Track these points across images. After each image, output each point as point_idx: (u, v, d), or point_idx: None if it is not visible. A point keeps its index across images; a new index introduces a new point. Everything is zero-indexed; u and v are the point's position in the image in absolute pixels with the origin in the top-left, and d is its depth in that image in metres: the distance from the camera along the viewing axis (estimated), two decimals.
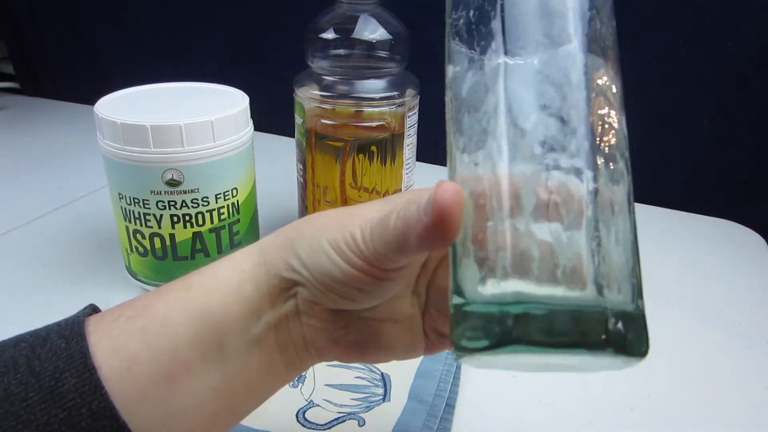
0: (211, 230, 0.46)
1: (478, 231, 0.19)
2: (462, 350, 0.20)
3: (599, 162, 0.19)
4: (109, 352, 0.22)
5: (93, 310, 0.26)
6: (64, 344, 0.22)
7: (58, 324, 0.24)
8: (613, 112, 0.20)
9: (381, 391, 0.39)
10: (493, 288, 0.19)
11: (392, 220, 0.22)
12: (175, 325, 0.23)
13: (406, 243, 0.21)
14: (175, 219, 0.45)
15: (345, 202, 0.51)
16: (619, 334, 0.18)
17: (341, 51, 0.47)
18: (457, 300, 0.20)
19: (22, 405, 0.21)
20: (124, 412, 0.21)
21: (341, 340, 0.26)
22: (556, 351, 0.18)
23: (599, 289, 0.18)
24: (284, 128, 0.68)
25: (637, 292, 0.19)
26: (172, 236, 0.45)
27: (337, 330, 0.26)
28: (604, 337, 0.18)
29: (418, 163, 0.55)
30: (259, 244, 0.26)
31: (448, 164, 0.22)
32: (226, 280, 0.25)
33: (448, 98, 0.22)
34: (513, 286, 0.19)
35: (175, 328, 0.23)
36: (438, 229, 0.19)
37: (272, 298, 0.25)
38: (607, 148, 0.20)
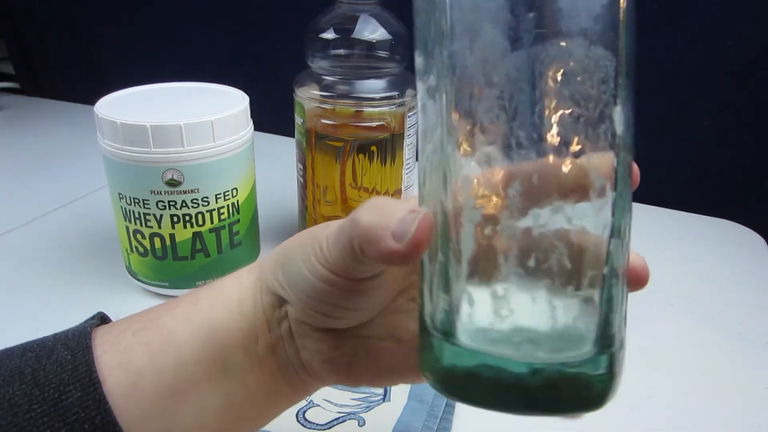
0: (211, 230, 0.46)
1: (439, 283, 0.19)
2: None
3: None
4: (115, 365, 0.22)
5: (101, 319, 0.26)
6: (70, 356, 0.22)
7: (65, 334, 0.23)
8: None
9: (381, 390, 0.39)
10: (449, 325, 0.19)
11: (348, 221, 0.21)
12: (180, 339, 0.23)
13: (360, 251, 0.20)
14: (175, 219, 0.45)
15: (345, 202, 0.51)
16: (542, 393, 0.18)
17: (341, 51, 0.47)
18: (422, 315, 0.20)
19: (25, 417, 0.20)
20: (127, 427, 0.21)
21: (336, 361, 0.24)
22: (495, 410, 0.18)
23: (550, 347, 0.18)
24: (284, 128, 0.68)
25: (603, 342, 0.18)
26: (172, 236, 0.45)
27: (329, 351, 0.24)
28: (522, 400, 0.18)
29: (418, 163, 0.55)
30: (262, 258, 0.26)
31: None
32: (230, 295, 0.25)
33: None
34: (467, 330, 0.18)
35: (180, 343, 0.23)
36: (407, 257, 0.19)
37: (267, 317, 0.24)
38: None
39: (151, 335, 0.23)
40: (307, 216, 0.53)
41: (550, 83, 0.17)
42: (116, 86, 0.49)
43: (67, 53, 0.96)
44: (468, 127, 0.18)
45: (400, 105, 0.48)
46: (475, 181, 0.18)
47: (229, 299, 0.24)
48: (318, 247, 0.22)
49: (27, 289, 0.50)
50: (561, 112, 0.17)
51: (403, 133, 0.50)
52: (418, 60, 0.19)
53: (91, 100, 0.47)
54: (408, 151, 0.52)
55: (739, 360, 0.45)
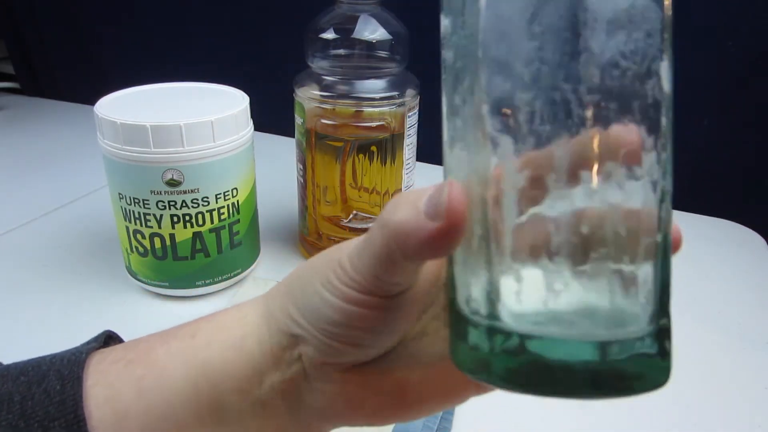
0: (211, 230, 0.46)
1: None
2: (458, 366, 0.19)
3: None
4: (102, 399, 0.21)
5: (107, 338, 0.25)
6: (59, 386, 0.21)
7: (61, 358, 0.23)
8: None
9: None
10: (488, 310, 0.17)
11: (376, 230, 0.19)
12: (172, 377, 0.22)
13: (400, 252, 0.18)
14: (175, 219, 0.45)
15: (345, 202, 0.51)
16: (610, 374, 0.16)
17: (341, 51, 0.47)
18: (453, 296, 0.19)
19: None
20: None
21: (365, 403, 0.22)
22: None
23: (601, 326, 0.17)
24: (284, 128, 0.68)
25: (656, 316, 0.18)
26: (172, 236, 0.45)
27: (355, 392, 0.22)
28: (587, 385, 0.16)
29: (418, 163, 0.55)
30: (267, 292, 0.24)
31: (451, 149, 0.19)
32: (231, 332, 0.23)
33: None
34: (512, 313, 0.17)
35: (172, 381, 0.22)
36: (450, 232, 0.17)
37: (275, 359, 0.22)
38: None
39: (142, 370, 0.22)
40: (307, 216, 0.53)
41: (597, 33, 0.16)
42: (116, 86, 0.49)
43: (67, 53, 0.96)
44: (506, 79, 0.16)
45: (400, 105, 0.48)
46: (515, 141, 0.16)
47: (229, 337, 0.23)
48: (339, 268, 0.20)
49: (27, 289, 0.50)
50: (608, 66, 0.16)
51: (403, 133, 0.50)
52: None
53: (91, 100, 0.47)
54: (408, 151, 0.52)
55: (739, 360, 0.45)
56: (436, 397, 0.23)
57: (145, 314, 0.47)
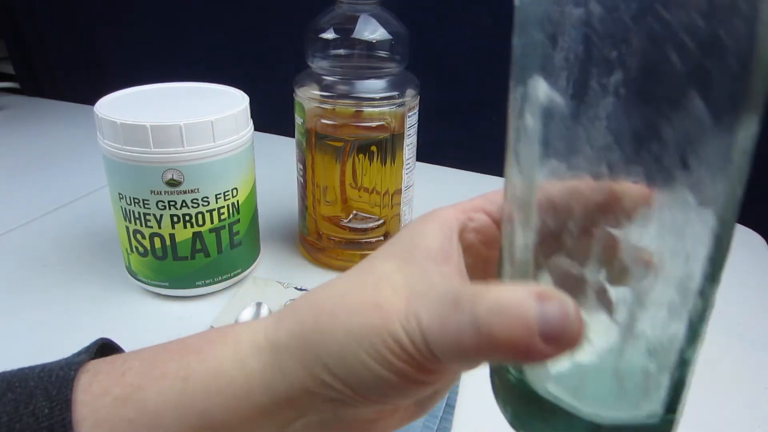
0: (211, 230, 0.46)
1: None
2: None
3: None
4: None
5: (100, 346, 0.24)
6: (48, 410, 0.20)
7: (49, 373, 0.22)
8: None
9: None
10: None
11: (466, 327, 0.17)
12: (168, 424, 0.21)
13: (498, 358, 0.18)
14: (175, 219, 0.45)
15: (345, 202, 0.51)
16: None
17: (341, 51, 0.47)
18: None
19: None
20: None
21: (391, 422, 0.23)
22: None
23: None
24: (284, 128, 0.68)
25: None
26: (172, 236, 0.45)
27: (385, 417, 0.23)
28: None
29: (418, 163, 0.55)
30: (269, 334, 0.21)
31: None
32: (231, 382, 0.21)
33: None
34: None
35: (168, 427, 0.21)
36: (561, 354, 0.17)
37: (297, 410, 0.21)
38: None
39: (133, 412, 0.21)
40: (307, 216, 0.53)
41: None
42: (116, 86, 0.49)
43: (67, 53, 0.96)
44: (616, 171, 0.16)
45: (400, 105, 0.48)
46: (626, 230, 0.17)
47: (230, 388, 0.21)
48: (392, 341, 0.19)
49: (27, 289, 0.50)
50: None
51: (403, 133, 0.50)
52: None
53: (91, 100, 0.47)
54: (408, 151, 0.52)
55: (739, 360, 0.45)
56: (442, 391, 0.25)
57: (145, 314, 0.47)
